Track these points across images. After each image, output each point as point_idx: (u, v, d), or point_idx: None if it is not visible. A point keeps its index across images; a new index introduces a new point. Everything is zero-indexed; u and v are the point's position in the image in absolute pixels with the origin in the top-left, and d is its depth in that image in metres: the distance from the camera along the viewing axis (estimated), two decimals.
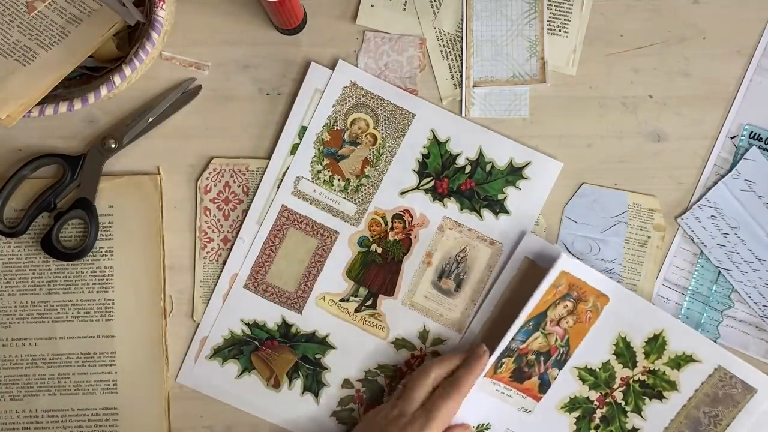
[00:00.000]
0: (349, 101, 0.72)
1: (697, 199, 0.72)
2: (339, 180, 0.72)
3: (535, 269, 0.71)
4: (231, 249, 0.72)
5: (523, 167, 0.72)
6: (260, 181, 0.72)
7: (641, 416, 0.71)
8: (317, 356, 0.72)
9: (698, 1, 0.72)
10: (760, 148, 0.71)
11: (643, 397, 0.70)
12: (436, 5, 0.72)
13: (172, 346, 0.72)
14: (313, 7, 0.72)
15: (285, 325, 0.72)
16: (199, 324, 0.72)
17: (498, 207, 0.72)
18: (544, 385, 0.71)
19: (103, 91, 0.66)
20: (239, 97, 0.72)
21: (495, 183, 0.72)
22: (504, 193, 0.72)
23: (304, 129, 0.72)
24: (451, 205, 0.72)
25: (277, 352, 0.72)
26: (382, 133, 0.72)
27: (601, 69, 0.72)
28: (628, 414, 0.71)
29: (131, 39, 0.71)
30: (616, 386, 0.71)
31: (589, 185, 0.72)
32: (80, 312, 0.71)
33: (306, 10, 0.71)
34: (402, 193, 0.72)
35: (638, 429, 0.71)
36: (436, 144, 0.72)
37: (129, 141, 0.72)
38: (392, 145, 0.72)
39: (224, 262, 0.72)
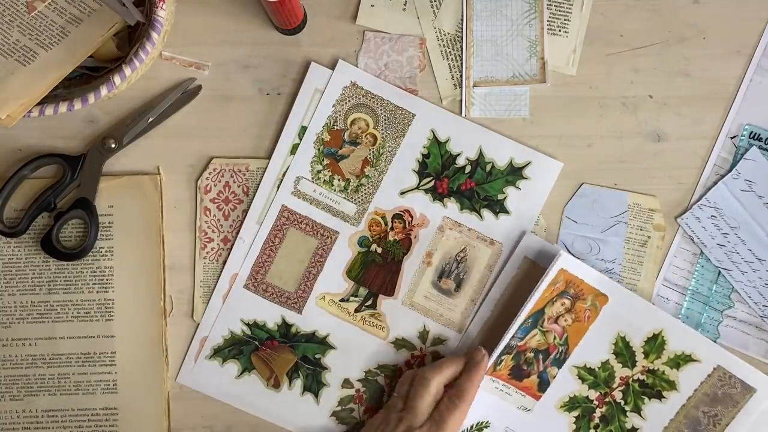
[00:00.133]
0: (349, 101, 0.72)
1: (697, 199, 0.72)
2: (339, 180, 0.72)
3: (535, 269, 0.71)
4: (231, 249, 0.72)
5: (523, 167, 0.72)
6: (260, 181, 0.72)
7: (640, 416, 0.71)
8: (317, 356, 0.72)
9: (698, 1, 0.72)
10: (760, 148, 0.71)
11: (643, 396, 0.71)
12: (436, 5, 0.72)
13: (172, 346, 0.72)
14: (313, 7, 0.72)
15: (285, 325, 0.72)
16: (199, 324, 0.72)
17: (498, 207, 0.72)
18: (544, 384, 0.71)
19: (103, 91, 0.66)
20: (239, 97, 0.72)
21: (495, 183, 0.72)
22: (504, 193, 0.72)
23: (304, 129, 0.72)
24: (451, 205, 0.72)
25: (277, 352, 0.72)
26: (382, 133, 0.72)
27: (601, 69, 0.72)
28: (628, 413, 0.71)
29: (131, 39, 0.71)
30: (615, 386, 0.71)
31: (589, 185, 0.72)
32: (80, 312, 0.71)
33: (306, 10, 0.71)
34: (402, 193, 0.72)
35: (638, 428, 0.71)
36: (436, 144, 0.72)
37: (129, 141, 0.71)
38: (392, 145, 0.72)
39: (224, 262, 0.72)
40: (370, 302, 0.72)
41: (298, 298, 0.72)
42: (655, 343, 0.70)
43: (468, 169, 0.72)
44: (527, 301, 0.68)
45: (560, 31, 0.72)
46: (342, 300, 0.72)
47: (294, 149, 0.72)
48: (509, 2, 0.72)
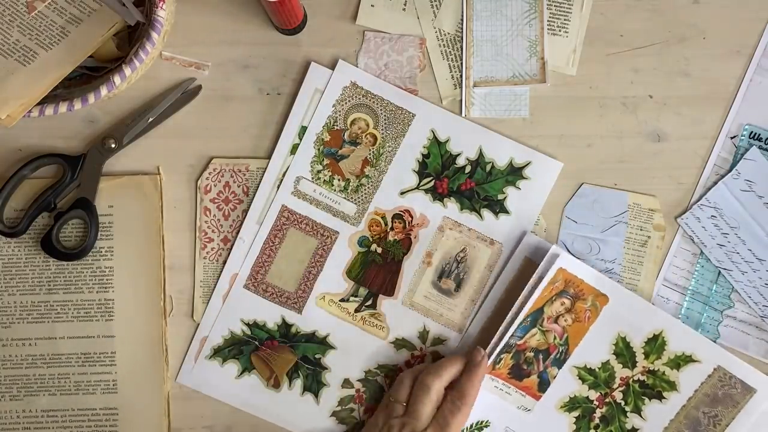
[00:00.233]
0: (349, 101, 0.72)
1: (697, 199, 0.72)
2: (339, 180, 0.72)
3: (535, 269, 0.71)
4: (231, 249, 0.72)
5: (523, 167, 0.72)
6: (260, 181, 0.72)
7: (641, 416, 0.71)
8: (317, 356, 0.72)
9: (698, 1, 0.72)
10: (760, 148, 0.71)
11: (643, 397, 0.70)
12: (436, 5, 0.72)
13: (172, 346, 0.72)
14: (313, 7, 0.72)
15: (285, 325, 0.72)
16: (199, 324, 0.72)
17: (498, 207, 0.72)
18: (544, 384, 0.71)
19: (103, 91, 0.66)
20: (239, 97, 0.72)
21: (495, 183, 0.72)
22: (504, 193, 0.72)
23: (304, 129, 0.72)
24: (451, 205, 0.72)
25: (277, 352, 0.72)
26: (382, 133, 0.72)
27: (601, 69, 0.72)
28: (628, 414, 0.71)
29: (131, 39, 0.71)
30: (615, 386, 0.71)
31: (589, 185, 0.72)
32: (80, 312, 0.71)
33: (306, 10, 0.71)
34: (402, 193, 0.72)
35: (638, 429, 0.71)
36: (436, 144, 0.72)
37: (129, 141, 0.71)
38: (392, 145, 0.72)
39: (224, 262, 0.72)
40: (370, 302, 0.72)
41: (298, 298, 0.72)
42: (655, 344, 0.70)
43: (468, 169, 0.72)
44: (521, 297, 0.68)
45: (560, 31, 0.72)
46: (342, 300, 0.72)
47: (294, 149, 0.72)
48: (509, 2, 0.72)
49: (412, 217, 0.72)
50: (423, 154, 0.72)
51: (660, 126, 0.72)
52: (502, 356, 0.69)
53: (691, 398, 0.70)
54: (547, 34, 0.72)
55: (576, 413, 0.71)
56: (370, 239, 0.72)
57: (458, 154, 0.72)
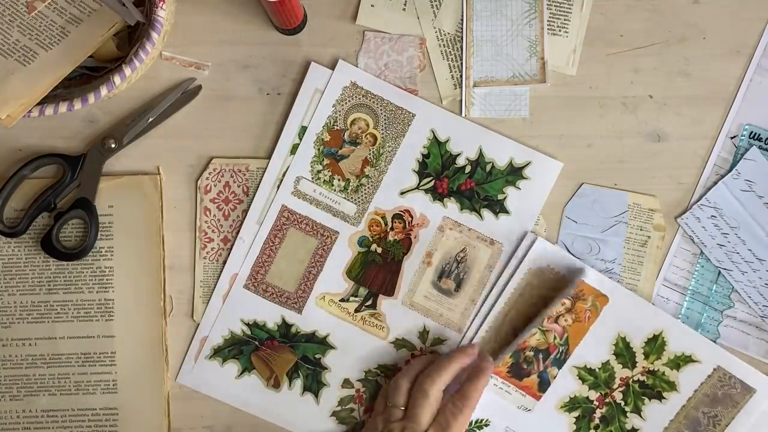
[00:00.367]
0: (349, 101, 0.72)
1: (697, 199, 0.72)
2: (339, 180, 0.72)
3: (535, 270, 0.71)
4: (231, 249, 0.72)
5: (523, 167, 0.72)
6: (260, 181, 0.72)
7: (641, 416, 0.71)
8: (317, 356, 0.72)
9: (698, 1, 0.72)
10: (760, 148, 0.71)
11: (643, 397, 0.70)
12: (436, 5, 0.72)
13: (172, 346, 0.72)
14: (313, 7, 0.72)
15: (285, 325, 0.72)
16: (199, 324, 0.72)
17: (498, 207, 0.72)
18: (544, 384, 0.71)
19: (103, 91, 0.66)
20: (239, 97, 0.72)
21: (495, 183, 0.72)
22: (504, 193, 0.72)
23: (304, 129, 0.72)
24: (451, 205, 0.72)
25: (277, 352, 0.72)
26: (382, 133, 0.72)
27: (601, 69, 0.72)
28: (628, 414, 0.71)
29: (131, 39, 0.71)
30: (615, 386, 0.71)
31: (589, 185, 0.72)
32: (80, 312, 0.71)
33: (306, 10, 0.71)
34: (402, 193, 0.72)
35: (638, 429, 0.71)
36: (436, 144, 0.72)
37: (129, 141, 0.71)
38: (392, 145, 0.72)
39: (224, 262, 0.72)
40: (370, 302, 0.72)
41: (298, 298, 0.72)
42: (655, 344, 0.70)
43: (468, 169, 0.72)
44: (544, 311, 0.69)
45: (560, 31, 0.72)
46: (342, 300, 0.72)
47: (294, 149, 0.72)
48: (509, 2, 0.72)
49: (412, 217, 0.72)
50: (423, 154, 0.72)
51: (660, 126, 0.72)
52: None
53: (690, 398, 0.70)
54: (547, 34, 0.72)
55: (576, 413, 0.71)
56: (370, 239, 0.72)
57: (458, 154, 0.72)
